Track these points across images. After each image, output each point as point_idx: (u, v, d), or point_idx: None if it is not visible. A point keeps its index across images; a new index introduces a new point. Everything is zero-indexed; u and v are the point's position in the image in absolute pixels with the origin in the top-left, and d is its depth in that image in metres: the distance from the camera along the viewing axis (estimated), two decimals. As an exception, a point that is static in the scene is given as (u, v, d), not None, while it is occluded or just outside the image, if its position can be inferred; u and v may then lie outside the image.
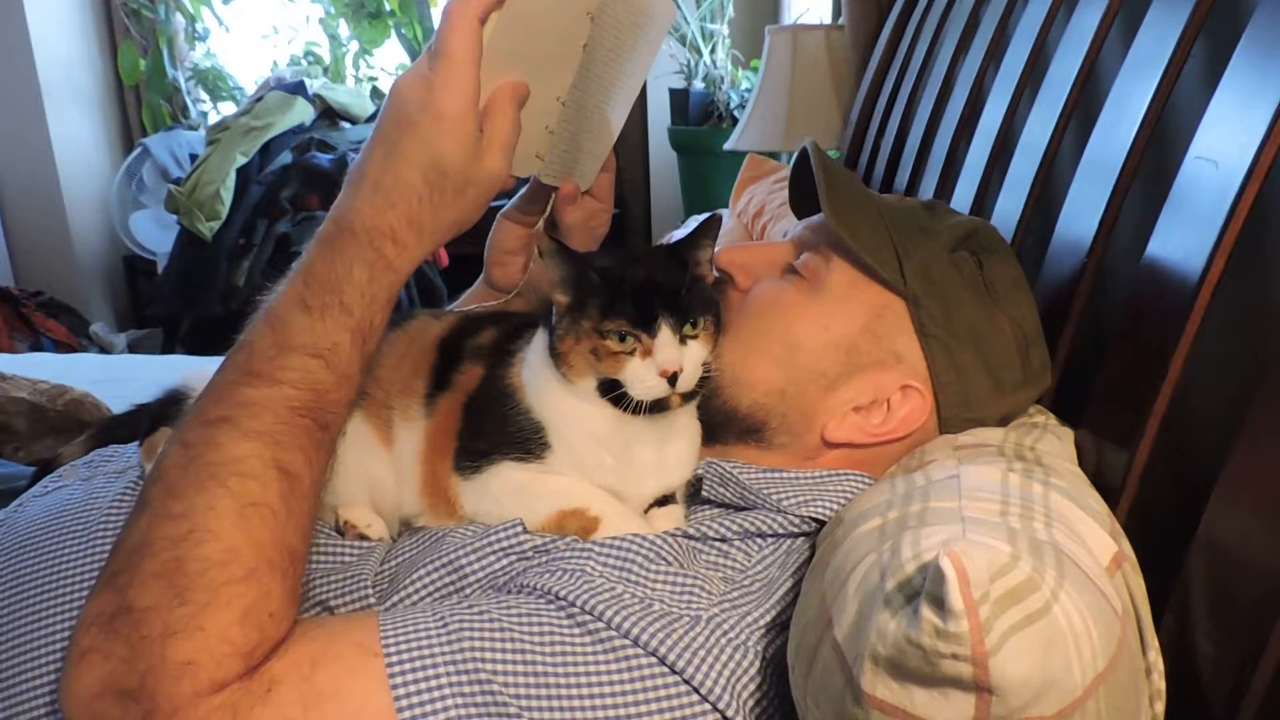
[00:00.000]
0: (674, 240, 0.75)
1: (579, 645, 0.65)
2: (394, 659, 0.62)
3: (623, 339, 0.72)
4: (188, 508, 0.62)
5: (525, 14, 0.75)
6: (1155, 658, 0.63)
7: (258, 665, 0.61)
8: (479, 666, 0.63)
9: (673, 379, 0.72)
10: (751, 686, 0.67)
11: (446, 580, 0.72)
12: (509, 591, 0.70)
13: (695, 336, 0.73)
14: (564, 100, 0.84)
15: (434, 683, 0.62)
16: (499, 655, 0.64)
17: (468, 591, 0.72)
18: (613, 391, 0.73)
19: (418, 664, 0.62)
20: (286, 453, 0.65)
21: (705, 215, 0.77)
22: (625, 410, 0.73)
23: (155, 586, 0.60)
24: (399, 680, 0.62)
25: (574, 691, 0.64)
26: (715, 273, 0.92)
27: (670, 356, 0.72)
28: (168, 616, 0.59)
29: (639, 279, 0.73)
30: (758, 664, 0.68)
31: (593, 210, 0.95)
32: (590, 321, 0.73)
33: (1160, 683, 0.63)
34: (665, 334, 0.72)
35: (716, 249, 0.84)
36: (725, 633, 0.68)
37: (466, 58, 0.70)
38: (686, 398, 0.75)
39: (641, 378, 0.72)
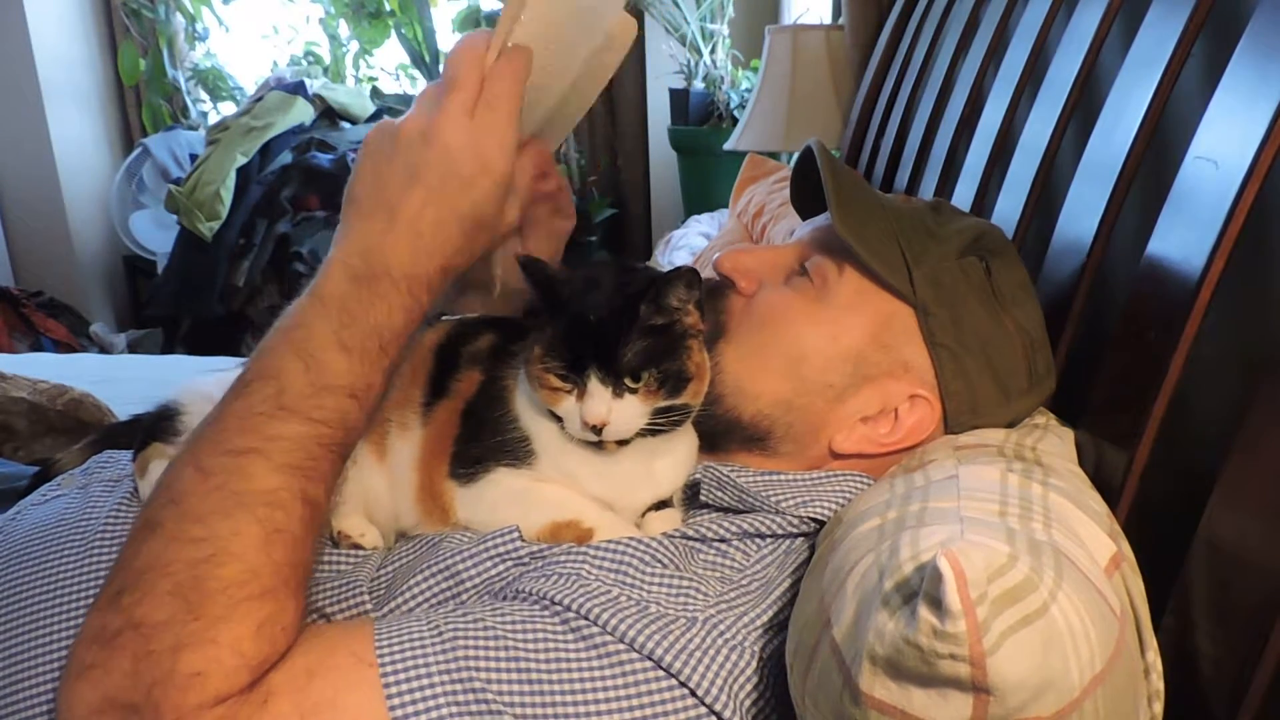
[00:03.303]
0: (648, 281, 0.73)
1: (573, 651, 0.65)
2: (388, 668, 0.63)
3: (562, 378, 0.72)
4: (210, 533, 0.63)
5: (548, 68, 0.77)
6: (1154, 658, 0.63)
7: (262, 678, 0.61)
8: (473, 675, 0.63)
9: (600, 429, 0.71)
10: (749, 687, 0.67)
11: (443, 586, 0.72)
12: (505, 597, 0.70)
13: (635, 391, 0.72)
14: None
15: (428, 691, 0.62)
16: (493, 663, 0.64)
17: (464, 598, 0.72)
18: (558, 417, 0.74)
19: (412, 673, 0.63)
20: (313, 484, 0.66)
21: (679, 266, 0.74)
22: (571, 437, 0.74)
23: (169, 604, 0.61)
24: (394, 690, 0.62)
25: (568, 698, 0.64)
26: (717, 277, 0.91)
27: (595, 410, 0.71)
28: (179, 631, 0.60)
29: (583, 323, 0.72)
30: (755, 664, 0.68)
31: (549, 213, 0.93)
32: (539, 349, 0.73)
33: (1158, 683, 0.63)
34: (594, 385, 0.71)
35: (718, 254, 0.83)
36: (721, 633, 0.68)
37: (512, 114, 0.72)
38: (665, 426, 0.74)
39: (571, 419, 0.73)
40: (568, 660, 0.65)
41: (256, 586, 0.62)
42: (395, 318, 0.70)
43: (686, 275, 0.73)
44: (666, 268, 0.75)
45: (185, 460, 0.67)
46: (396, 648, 0.64)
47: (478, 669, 0.63)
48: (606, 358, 0.71)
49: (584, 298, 0.73)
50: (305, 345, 0.69)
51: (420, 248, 0.71)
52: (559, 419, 0.74)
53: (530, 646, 0.65)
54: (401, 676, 0.62)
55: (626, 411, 0.72)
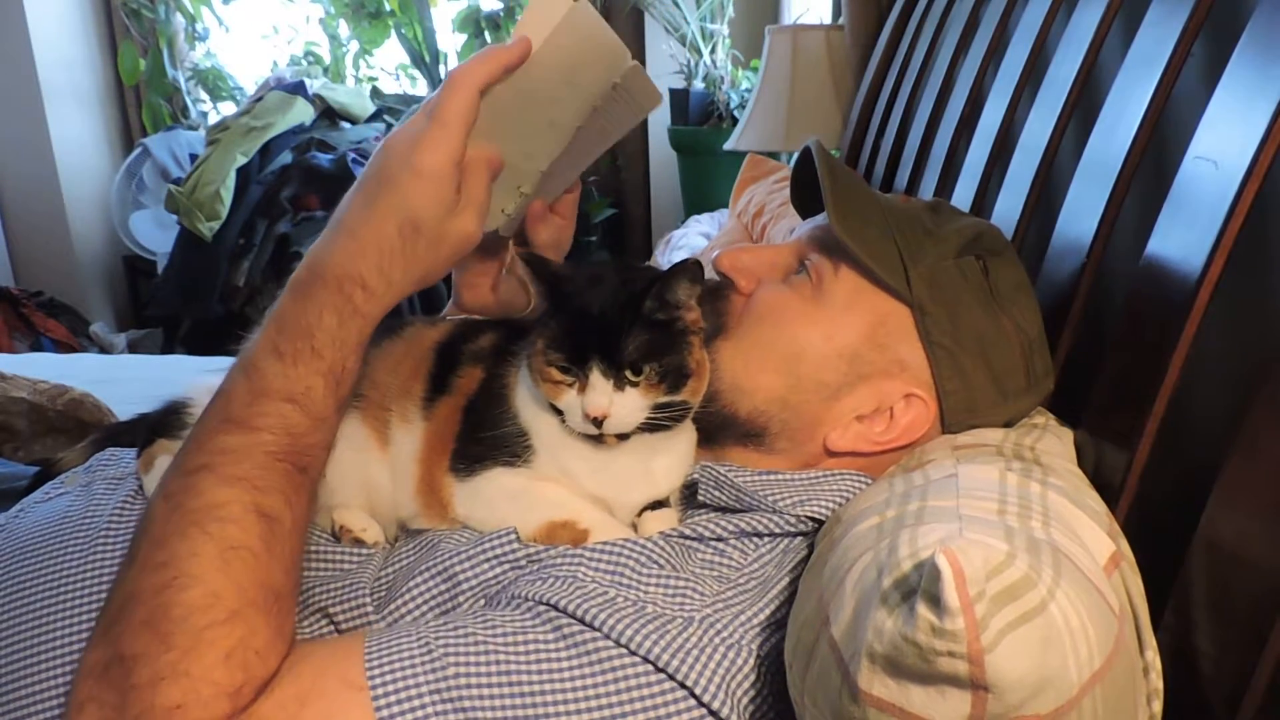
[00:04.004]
0: (651, 279, 0.74)
1: (565, 660, 0.65)
2: (379, 690, 0.63)
3: (564, 370, 0.73)
4: (171, 555, 0.64)
5: (529, 92, 0.77)
6: (1153, 657, 0.63)
7: (246, 705, 0.62)
8: (463, 694, 0.63)
9: (601, 421, 0.72)
10: (746, 684, 0.67)
11: (441, 589, 0.73)
12: (500, 602, 0.70)
13: (635, 384, 0.73)
14: (545, 171, 0.85)
15: (419, 714, 0.63)
16: (483, 678, 0.64)
17: (461, 599, 0.72)
18: (559, 411, 0.74)
19: (403, 694, 0.63)
20: (265, 497, 0.66)
21: (683, 259, 0.75)
22: (571, 431, 0.74)
23: (144, 635, 0.62)
24: (384, 714, 0.62)
25: (560, 708, 0.64)
26: (716, 276, 0.92)
27: (596, 402, 0.72)
28: (155, 663, 0.61)
29: (586, 317, 0.73)
30: (752, 662, 0.68)
31: (559, 226, 0.95)
32: (542, 342, 0.73)
33: (1158, 682, 0.63)
34: (596, 378, 0.72)
35: (717, 252, 0.84)
36: (719, 632, 0.68)
37: (457, 123, 0.71)
38: (664, 422, 0.75)
39: (572, 411, 0.73)
40: (559, 671, 0.65)
41: (221, 610, 0.62)
42: (326, 318, 0.70)
43: (691, 270, 0.74)
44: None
45: (159, 489, 0.69)
46: (387, 669, 0.64)
47: (468, 686, 0.64)
48: (609, 350, 0.71)
49: (587, 292, 0.74)
50: (248, 357, 0.71)
51: (353, 248, 0.71)
52: (560, 413, 0.74)
53: (521, 659, 0.65)
54: (393, 699, 0.63)
55: (627, 404, 0.72)
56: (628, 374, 0.72)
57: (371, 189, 0.72)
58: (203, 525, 0.64)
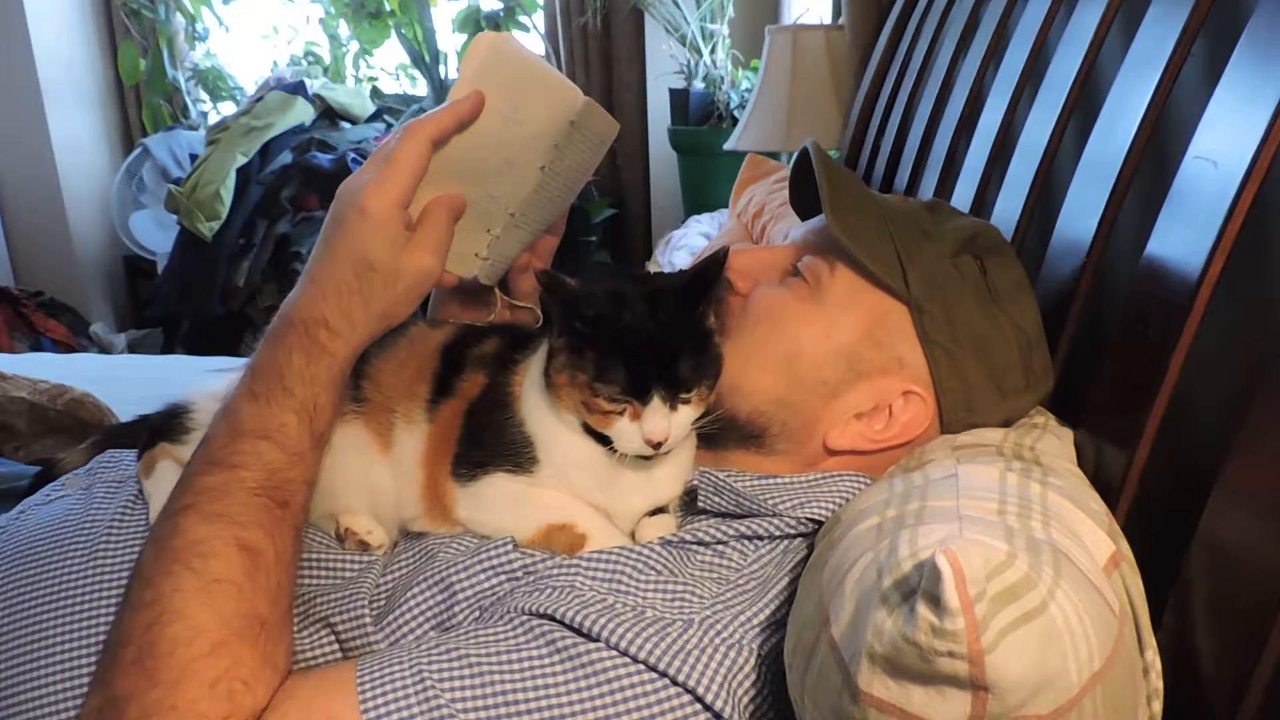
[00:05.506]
0: (690, 280, 0.74)
1: (560, 675, 0.66)
2: None
3: (614, 400, 0.72)
4: (157, 594, 0.65)
5: (478, 133, 0.78)
6: (1153, 657, 0.63)
7: None
8: None
9: (661, 444, 0.72)
10: (747, 684, 0.67)
11: (439, 600, 0.73)
12: (495, 615, 0.70)
13: (689, 401, 0.73)
14: (514, 212, 0.85)
15: None
16: (479, 703, 0.64)
17: (458, 610, 0.73)
18: (601, 437, 0.74)
19: None
20: (246, 531, 0.68)
21: (717, 249, 0.75)
22: (610, 452, 0.74)
23: (132, 673, 0.63)
24: None
25: None
26: None
27: (658, 427, 0.71)
28: (143, 701, 0.62)
29: (639, 341, 0.71)
30: (753, 661, 0.68)
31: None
32: (584, 375, 0.72)
33: (1158, 682, 0.63)
34: (656, 404, 0.71)
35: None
36: (719, 633, 0.68)
37: (405, 168, 0.73)
38: (705, 428, 0.76)
39: (628, 438, 0.72)
40: (555, 686, 0.65)
41: (204, 643, 0.63)
42: (295, 358, 0.72)
43: (723, 262, 0.74)
44: (667, 268, 0.75)
45: (149, 535, 0.71)
46: (381, 704, 0.64)
47: (465, 712, 0.64)
48: (668, 375, 0.71)
49: (622, 315, 0.72)
50: (227, 404, 0.74)
51: (314, 292, 0.74)
52: (602, 439, 0.74)
53: (516, 679, 0.65)
54: None
55: (682, 421, 0.73)
56: (681, 394, 0.72)
57: (329, 234, 0.75)
58: (185, 561, 0.66)
